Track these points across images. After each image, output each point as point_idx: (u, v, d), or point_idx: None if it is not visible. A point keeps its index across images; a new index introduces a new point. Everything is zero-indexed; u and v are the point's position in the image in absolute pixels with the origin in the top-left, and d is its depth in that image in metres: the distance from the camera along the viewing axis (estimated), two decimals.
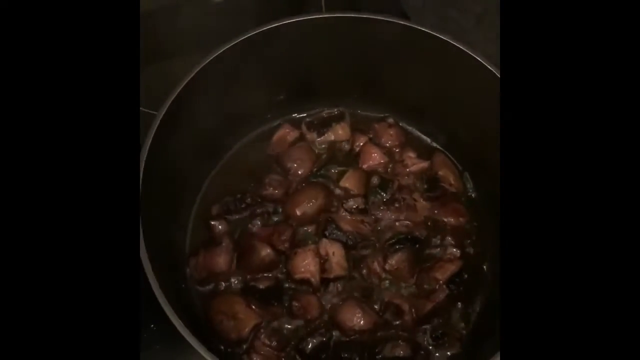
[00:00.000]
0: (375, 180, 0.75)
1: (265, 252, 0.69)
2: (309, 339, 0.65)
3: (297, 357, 0.65)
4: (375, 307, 0.67)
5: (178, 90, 0.62)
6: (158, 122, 0.61)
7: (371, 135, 0.79)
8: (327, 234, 0.70)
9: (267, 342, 0.64)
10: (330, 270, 0.68)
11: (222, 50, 0.65)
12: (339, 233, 0.70)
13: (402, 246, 0.70)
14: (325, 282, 0.68)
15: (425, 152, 0.78)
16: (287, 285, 0.68)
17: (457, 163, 0.77)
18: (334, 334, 0.66)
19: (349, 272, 0.69)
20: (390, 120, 0.80)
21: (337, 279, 0.68)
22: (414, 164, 0.76)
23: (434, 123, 0.78)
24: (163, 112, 0.61)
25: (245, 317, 0.65)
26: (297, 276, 0.68)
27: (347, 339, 0.66)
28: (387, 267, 0.69)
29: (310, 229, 0.72)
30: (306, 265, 0.68)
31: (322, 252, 0.69)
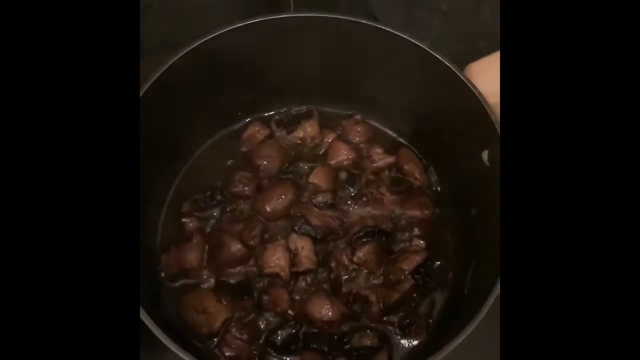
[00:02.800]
0: (343, 175, 0.77)
1: (236, 247, 0.70)
2: (279, 331, 0.67)
3: (268, 349, 0.66)
4: (344, 298, 0.69)
5: (143, 91, 0.63)
6: None
7: (339, 132, 0.80)
8: (297, 229, 0.71)
9: (237, 335, 0.66)
10: (300, 264, 0.70)
11: (188, 49, 0.66)
12: (308, 227, 0.71)
13: (369, 239, 0.71)
14: (295, 275, 0.70)
15: (391, 148, 0.80)
16: (257, 279, 0.70)
17: (422, 158, 0.79)
18: (303, 325, 0.67)
19: (318, 266, 0.70)
20: (358, 117, 0.81)
21: (306, 272, 0.70)
22: (380, 159, 0.78)
23: (400, 119, 0.80)
24: None
25: (215, 312, 0.66)
26: (267, 270, 0.69)
27: (316, 330, 0.67)
28: (355, 259, 0.71)
29: (280, 224, 0.73)
30: (276, 259, 0.69)
31: (292, 246, 0.70)
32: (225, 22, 0.68)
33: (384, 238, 0.72)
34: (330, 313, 0.67)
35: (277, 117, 0.81)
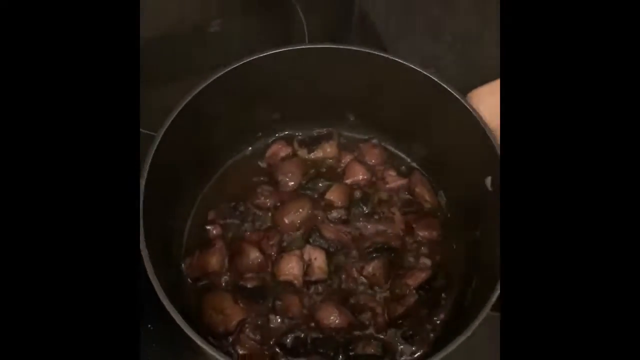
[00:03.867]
0: (357, 194, 0.82)
1: (255, 255, 0.76)
2: (289, 334, 0.72)
3: (278, 350, 0.71)
4: (352, 308, 0.74)
5: (176, 113, 0.70)
6: (158, 141, 0.68)
7: (356, 154, 0.86)
8: (311, 241, 0.77)
9: (251, 335, 0.71)
10: (312, 273, 0.75)
11: (219, 75, 0.73)
12: (321, 241, 0.77)
13: (378, 254, 0.76)
14: (307, 284, 0.75)
15: (404, 171, 0.85)
16: (272, 285, 0.75)
17: (432, 181, 0.84)
18: (312, 331, 0.72)
19: (329, 276, 0.76)
20: (374, 141, 0.87)
21: (318, 281, 0.75)
22: (393, 181, 0.83)
23: (412, 144, 0.85)
24: (162, 132, 0.69)
25: (232, 313, 0.72)
26: (282, 278, 0.75)
27: (324, 336, 0.72)
28: (364, 272, 0.76)
29: (296, 235, 0.78)
30: (290, 268, 0.75)
31: (306, 256, 0.76)
32: (247, 52, 0.75)
33: (392, 254, 0.77)
34: (337, 320, 0.72)
35: (299, 137, 0.87)
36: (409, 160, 0.86)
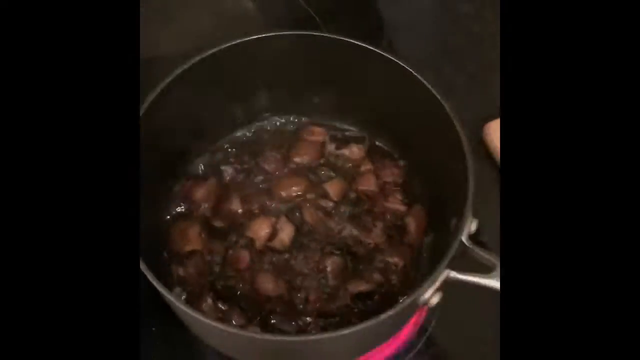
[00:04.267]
0: (352, 195, 0.85)
1: (237, 206, 0.82)
2: (222, 281, 0.77)
3: (208, 289, 0.76)
4: (290, 286, 0.77)
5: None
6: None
7: (377, 165, 0.88)
8: (289, 215, 0.81)
9: (194, 265, 0.78)
10: (274, 240, 0.79)
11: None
12: (298, 217, 0.81)
13: (339, 252, 0.79)
14: (266, 248, 0.79)
15: (411, 201, 0.86)
16: (235, 236, 0.80)
17: (431, 221, 0.84)
18: (245, 288, 0.77)
19: (288, 250, 0.79)
20: (401, 163, 0.89)
21: (275, 250, 0.79)
22: (394, 203, 0.85)
23: (428, 175, 0.85)
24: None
25: (192, 240, 0.79)
26: (247, 233, 0.80)
27: (252, 296, 0.76)
28: (320, 264, 0.78)
29: (280, 206, 0.83)
30: (259, 229, 0.80)
31: (277, 225, 0.80)
32: None
33: (351, 259, 0.79)
34: (270, 287, 0.76)
35: (332, 131, 0.91)
36: (420, 191, 0.86)
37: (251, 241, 0.79)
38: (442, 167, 0.78)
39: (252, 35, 0.80)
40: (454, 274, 0.66)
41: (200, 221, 0.82)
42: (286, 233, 0.80)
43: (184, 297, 0.76)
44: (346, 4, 1.13)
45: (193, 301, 0.75)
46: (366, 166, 0.88)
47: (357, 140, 0.90)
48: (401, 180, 0.87)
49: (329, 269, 0.78)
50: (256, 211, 0.82)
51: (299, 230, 0.80)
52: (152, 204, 0.78)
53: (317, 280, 0.78)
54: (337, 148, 0.89)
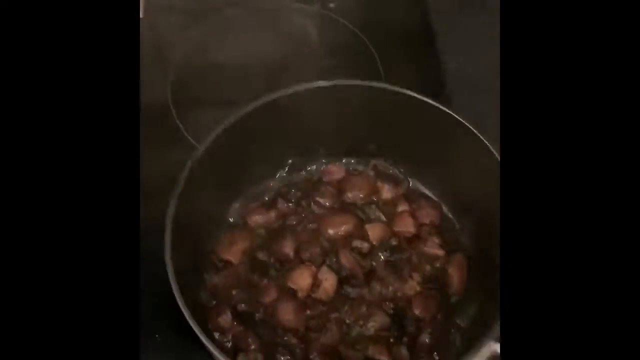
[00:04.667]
0: (393, 241, 0.85)
1: (289, 249, 0.83)
2: (246, 305, 0.79)
3: (231, 306, 0.79)
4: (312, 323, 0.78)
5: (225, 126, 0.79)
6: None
7: (414, 207, 0.89)
8: (327, 262, 0.82)
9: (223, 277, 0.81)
10: (317, 291, 0.80)
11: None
12: (335, 263, 0.81)
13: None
14: (309, 298, 0.80)
15: (451, 245, 0.86)
16: (276, 275, 0.82)
17: (471, 270, 0.84)
18: (265, 315, 0.79)
19: (331, 301, 0.80)
20: (436, 201, 0.90)
21: (319, 301, 0.79)
22: (433, 248, 0.85)
23: (470, 222, 0.87)
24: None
25: (233, 250, 0.83)
26: (289, 284, 0.81)
27: (269, 324, 0.78)
28: (368, 321, 0.79)
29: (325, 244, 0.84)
30: (299, 279, 0.80)
31: (320, 275, 0.80)
32: None
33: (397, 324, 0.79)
34: (291, 318, 0.78)
35: (379, 167, 0.92)
36: (459, 235, 0.88)
37: (293, 292, 0.80)
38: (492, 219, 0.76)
39: (315, 83, 0.83)
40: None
41: (249, 240, 0.84)
42: (329, 282, 0.80)
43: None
44: (411, 52, 1.12)
45: (215, 311, 0.78)
46: (403, 207, 0.89)
47: (396, 181, 0.91)
48: (438, 222, 0.88)
49: (376, 327, 0.79)
50: (303, 255, 0.82)
51: (339, 276, 0.81)
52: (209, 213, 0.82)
53: (349, 331, 0.79)
54: (388, 185, 0.90)
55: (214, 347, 0.65)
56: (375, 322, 0.79)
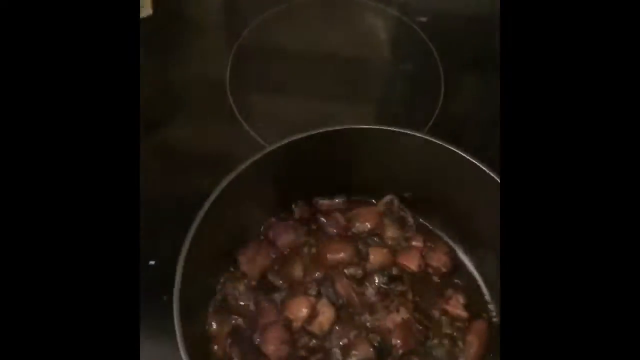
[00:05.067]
0: (395, 270, 0.84)
1: (299, 273, 0.85)
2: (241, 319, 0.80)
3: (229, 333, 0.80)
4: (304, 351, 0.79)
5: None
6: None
7: (426, 247, 0.88)
8: (322, 290, 0.82)
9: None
10: (312, 324, 0.80)
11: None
12: (331, 292, 0.82)
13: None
14: (302, 330, 0.80)
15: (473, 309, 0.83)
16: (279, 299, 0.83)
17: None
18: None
19: (324, 336, 0.80)
20: (451, 248, 0.88)
21: (311, 334, 0.80)
22: (455, 307, 0.82)
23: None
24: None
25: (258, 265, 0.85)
26: (285, 313, 0.81)
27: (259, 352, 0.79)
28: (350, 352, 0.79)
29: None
30: (296, 310, 0.81)
31: (318, 307, 0.81)
32: None
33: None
34: (275, 349, 0.77)
35: (393, 203, 0.91)
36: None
37: (289, 321, 0.81)
38: None
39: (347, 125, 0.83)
40: None
41: (269, 257, 0.86)
42: (325, 316, 0.80)
43: None
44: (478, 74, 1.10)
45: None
46: (417, 242, 0.88)
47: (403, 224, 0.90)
48: (445, 270, 0.86)
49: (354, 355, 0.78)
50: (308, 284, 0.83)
51: (336, 307, 0.81)
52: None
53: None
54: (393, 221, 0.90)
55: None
56: (358, 353, 0.79)
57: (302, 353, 0.79)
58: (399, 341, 0.79)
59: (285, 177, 0.84)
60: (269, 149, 0.80)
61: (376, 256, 0.86)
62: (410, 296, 0.83)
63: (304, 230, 0.88)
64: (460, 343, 0.80)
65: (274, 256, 0.86)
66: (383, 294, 0.83)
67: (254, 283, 0.84)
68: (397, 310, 0.81)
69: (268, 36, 1.11)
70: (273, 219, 0.89)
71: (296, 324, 0.80)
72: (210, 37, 1.14)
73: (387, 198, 0.91)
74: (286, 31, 1.12)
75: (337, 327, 0.81)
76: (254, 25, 1.11)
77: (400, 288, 0.84)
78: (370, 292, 0.83)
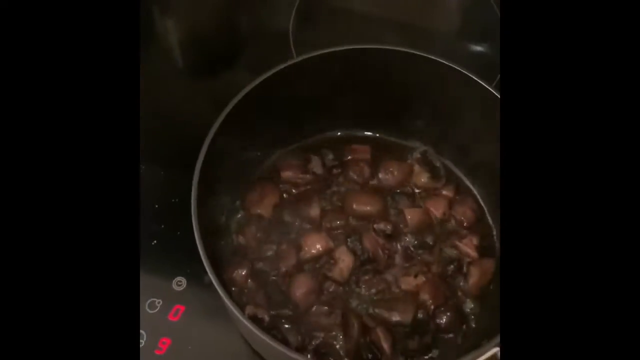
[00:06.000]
0: (428, 239, 0.82)
1: (315, 213, 0.83)
2: (262, 263, 0.79)
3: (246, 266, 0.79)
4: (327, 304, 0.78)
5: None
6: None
7: (456, 198, 0.86)
8: (349, 242, 0.81)
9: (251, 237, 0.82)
10: (332, 270, 0.79)
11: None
12: (358, 245, 0.80)
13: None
14: (324, 277, 0.79)
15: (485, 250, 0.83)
16: (295, 236, 0.81)
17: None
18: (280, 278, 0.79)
19: (345, 283, 0.79)
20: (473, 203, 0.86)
21: (332, 279, 0.79)
22: (467, 246, 0.82)
23: None
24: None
25: (265, 205, 0.84)
26: (300, 241, 0.80)
27: (282, 287, 0.78)
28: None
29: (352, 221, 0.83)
30: (311, 245, 0.80)
31: (336, 254, 0.79)
32: None
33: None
34: (304, 291, 0.77)
35: (420, 155, 0.89)
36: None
37: (299, 247, 0.80)
38: None
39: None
40: None
41: (280, 193, 0.85)
42: (345, 263, 0.79)
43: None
44: None
45: (233, 261, 0.79)
46: (448, 192, 0.87)
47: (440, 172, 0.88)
48: (467, 224, 0.84)
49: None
50: (326, 224, 0.82)
51: (358, 258, 0.80)
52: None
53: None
54: (429, 175, 0.88)
55: (224, 293, 0.66)
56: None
57: (328, 298, 0.79)
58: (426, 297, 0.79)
59: (302, 98, 0.82)
60: (278, 68, 0.78)
61: (414, 217, 0.84)
62: (434, 268, 0.82)
63: (316, 170, 0.87)
64: (464, 269, 0.81)
65: (285, 196, 0.85)
66: (408, 256, 0.82)
67: (266, 223, 0.83)
68: (415, 276, 0.80)
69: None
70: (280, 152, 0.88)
71: (304, 255, 0.79)
72: None
73: (422, 149, 0.89)
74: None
75: (365, 277, 0.80)
76: None
77: (427, 257, 0.82)
78: (397, 250, 0.82)
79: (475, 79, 0.78)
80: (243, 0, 1.13)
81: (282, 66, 0.79)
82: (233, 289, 0.78)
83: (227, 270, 0.79)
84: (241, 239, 0.82)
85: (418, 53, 0.80)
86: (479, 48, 1.07)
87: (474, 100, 0.79)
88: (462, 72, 0.78)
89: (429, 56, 0.79)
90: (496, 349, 0.62)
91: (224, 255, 0.81)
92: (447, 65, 0.79)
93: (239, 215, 0.85)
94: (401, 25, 1.08)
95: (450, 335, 0.78)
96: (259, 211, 0.84)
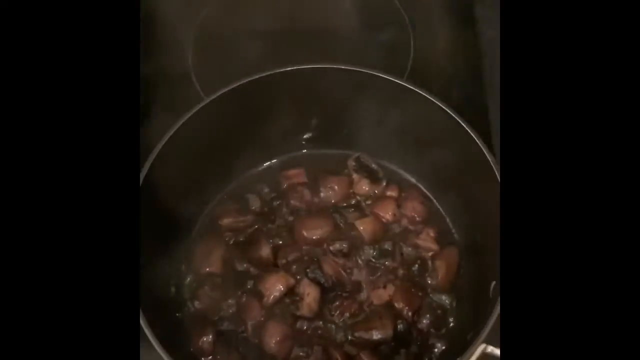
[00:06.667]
0: (387, 246, 0.80)
1: (266, 253, 0.79)
2: (227, 323, 0.76)
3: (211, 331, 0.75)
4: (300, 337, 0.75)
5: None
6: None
7: (402, 195, 0.85)
8: (308, 272, 0.77)
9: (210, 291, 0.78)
10: (301, 308, 0.75)
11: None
12: (319, 274, 0.77)
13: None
14: (293, 317, 0.76)
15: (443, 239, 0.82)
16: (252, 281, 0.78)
17: (463, 264, 0.80)
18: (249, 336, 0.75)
19: (315, 317, 0.76)
20: (436, 204, 0.85)
21: (303, 318, 0.76)
22: (426, 240, 0.81)
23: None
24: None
25: (213, 262, 0.79)
26: (259, 287, 0.77)
27: (254, 342, 0.75)
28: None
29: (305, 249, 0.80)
30: (272, 286, 0.76)
31: (300, 289, 0.76)
32: None
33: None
34: (276, 341, 0.73)
35: (354, 162, 0.86)
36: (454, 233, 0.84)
37: (260, 295, 0.76)
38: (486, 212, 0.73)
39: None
40: (491, 349, 0.61)
41: (225, 243, 0.80)
42: (311, 297, 0.76)
43: None
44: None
45: (195, 330, 0.75)
46: (392, 193, 0.85)
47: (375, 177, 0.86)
48: (419, 217, 0.83)
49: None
50: (281, 261, 0.79)
51: (322, 287, 0.77)
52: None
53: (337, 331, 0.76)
54: (370, 182, 0.85)
55: None
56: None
57: (304, 337, 0.76)
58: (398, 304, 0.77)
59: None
60: (185, 116, 0.75)
61: (366, 227, 0.81)
62: (400, 272, 0.80)
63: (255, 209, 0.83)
64: (430, 266, 0.80)
65: (232, 243, 0.81)
66: (372, 268, 0.80)
67: (219, 280, 0.79)
68: (385, 287, 0.78)
69: (230, 17, 1.06)
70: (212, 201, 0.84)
71: (266, 301, 0.75)
72: (170, 21, 1.07)
73: (355, 155, 0.87)
74: (250, 7, 1.06)
75: (336, 304, 0.77)
76: (215, 7, 1.07)
77: (390, 263, 0.80)
78: (359, 265, 0.80)
79: (378, 74, 0.77)
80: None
81: (190, 113, 0.76)
82: (202, 359, 0.74)
83: (191, 342, 0.74)
84: (197, 304, 0.78)
85: (322, 66, 0.78)
86: (385, 35, 1.04)
87: (385, 95, 0.79)
88: (364, 72, 0.78)
89: (333, 66, 0.78)
90: (483, 345, 0.61)
91: (182, 327, 0.77)
92: (349, 70, 0.78)
93: (188, 280, 0.80)
94: (306, 33, 1.05)
95: (435, 338, 0.76)
96: (207, 269, 0.80)
